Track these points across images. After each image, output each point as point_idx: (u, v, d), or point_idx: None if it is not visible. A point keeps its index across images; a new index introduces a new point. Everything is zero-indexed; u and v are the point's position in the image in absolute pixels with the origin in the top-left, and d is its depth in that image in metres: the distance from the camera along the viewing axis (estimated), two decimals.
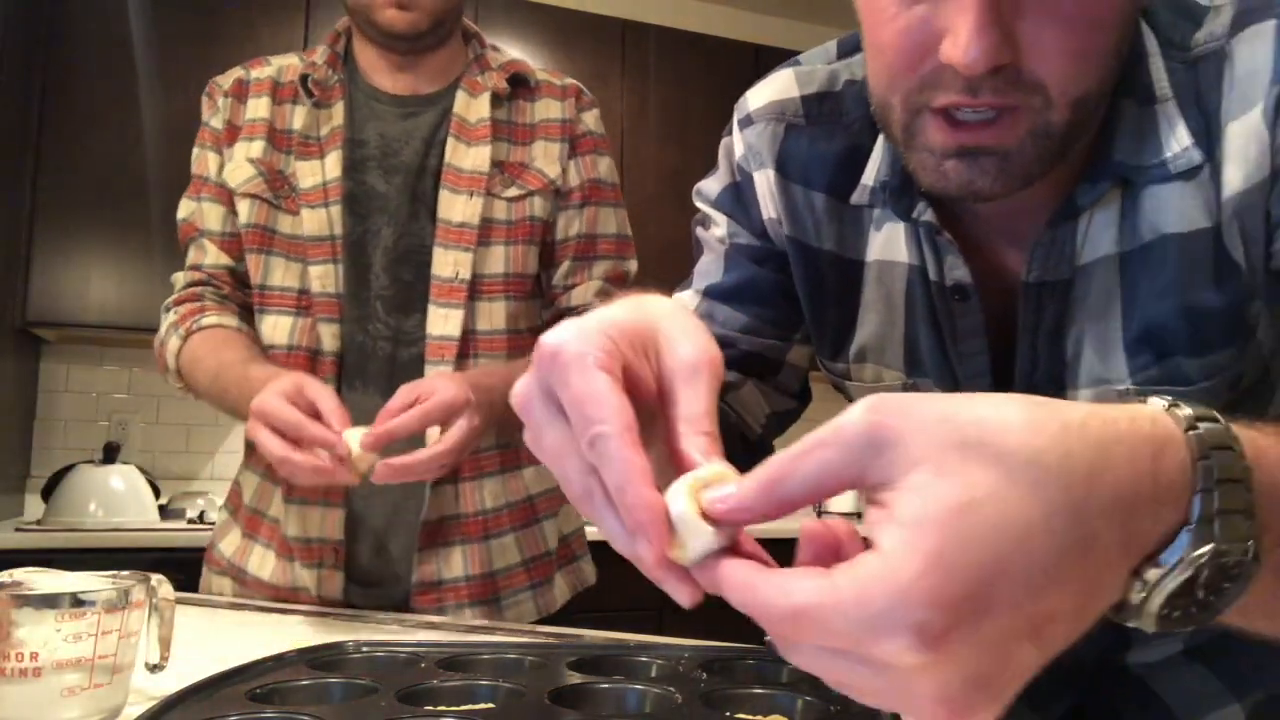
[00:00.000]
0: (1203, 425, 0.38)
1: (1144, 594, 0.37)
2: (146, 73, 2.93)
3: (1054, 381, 0.72)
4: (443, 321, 1.23)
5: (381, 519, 1.24)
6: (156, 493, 2.87)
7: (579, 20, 3.51)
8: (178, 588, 0.70)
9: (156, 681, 0.67)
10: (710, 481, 0.41)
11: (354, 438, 0.99)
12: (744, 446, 0.83)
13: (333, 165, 1.26)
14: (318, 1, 3.12)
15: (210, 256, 1.31)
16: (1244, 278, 0.65)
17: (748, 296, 0.83)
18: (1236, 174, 0.64)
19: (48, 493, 2.75)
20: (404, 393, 1.05)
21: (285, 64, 1.34)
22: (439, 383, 1.07)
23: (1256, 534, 0.38)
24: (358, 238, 1.26)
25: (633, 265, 1.38)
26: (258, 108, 1.30)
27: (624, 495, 0.41)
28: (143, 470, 2.87)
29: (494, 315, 1.26)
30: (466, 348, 1.23)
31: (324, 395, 1.04)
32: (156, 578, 0.66)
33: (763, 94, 0.82)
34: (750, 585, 0.37)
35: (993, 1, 0.56)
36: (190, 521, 2.86)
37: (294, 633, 0.94)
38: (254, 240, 1.27)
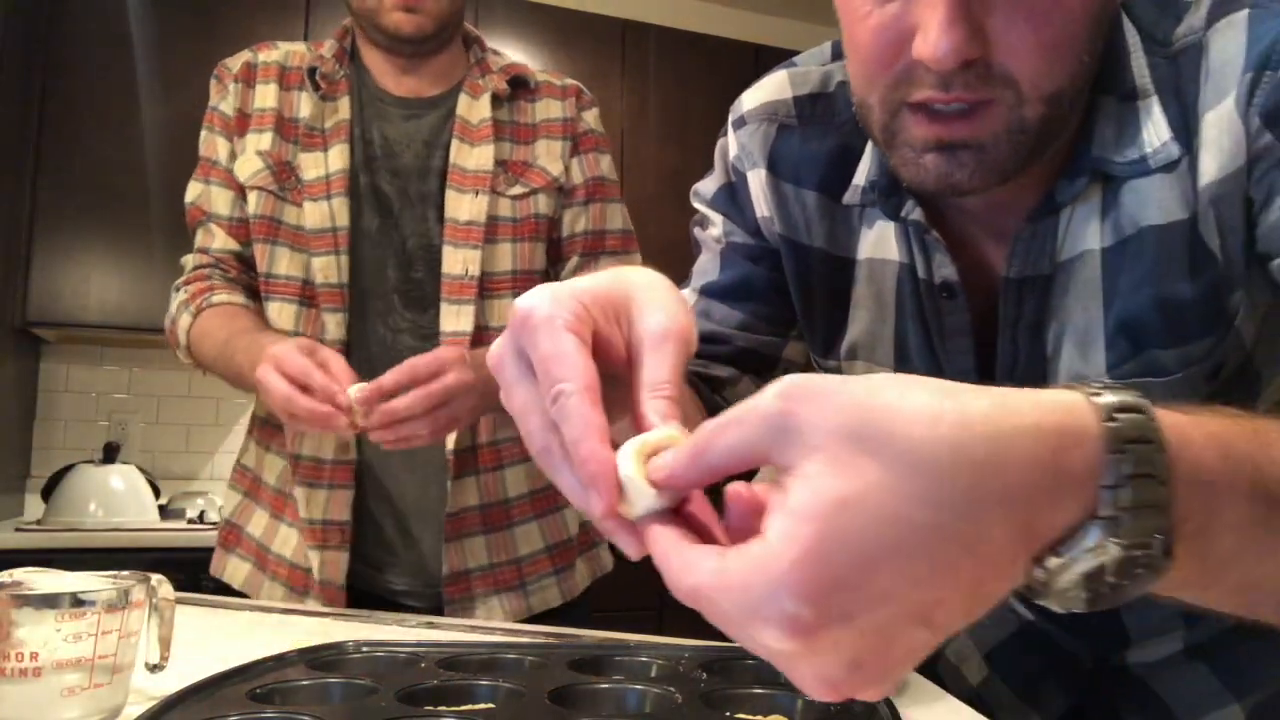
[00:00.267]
0: (1122, 417, 0.37)
1: (1045, 580, 0.37)
2: (146, 73, 2.94)
3: (1035, 376, 0.73)
4: (455, 318, 1.26)
5: (400, 504, 1.27)
6: (156, 493, 2.87)
7: (579, 20, 3.51)
8: (178, 588, 0.69)
9: (156, 681, 0.67)
10: (658, 444, 0.42)
11: (355, 391, 1.06)
12: None
13: (335, 158, 1.28)
14: (318, 1, 3.13)
15: (218, 241, 1.33)
16: (1220, 268, 0.65)
17: (743, 294, 0.84)
18: (1211, 163, 0.64)
19: (48, 493, 2.75)
20: (408, 367, 1.09)
21: (292, 49, 1.36)
22: (446, 354, 1.12)
23: (1169, 527, 0.37)
24: (374, 234, 1.29)
25: (637, 259, 1.41)
26: (266, 95, 1.32)
27: (578, 450, 0.42)
28: (143, 470, 2.88)
29: (505, 312, 1.28)
30: (480, 343, 1.25)
31: (334, 356, 1.09)
32: (156, 578, 0.66)
33: (756, 95, 0.83)
34: (664, 556, 0.39)
35: None
36: (190, 521, 2.86)
37: (294, 633, 0.94)
38: (261, 230, 1.29)
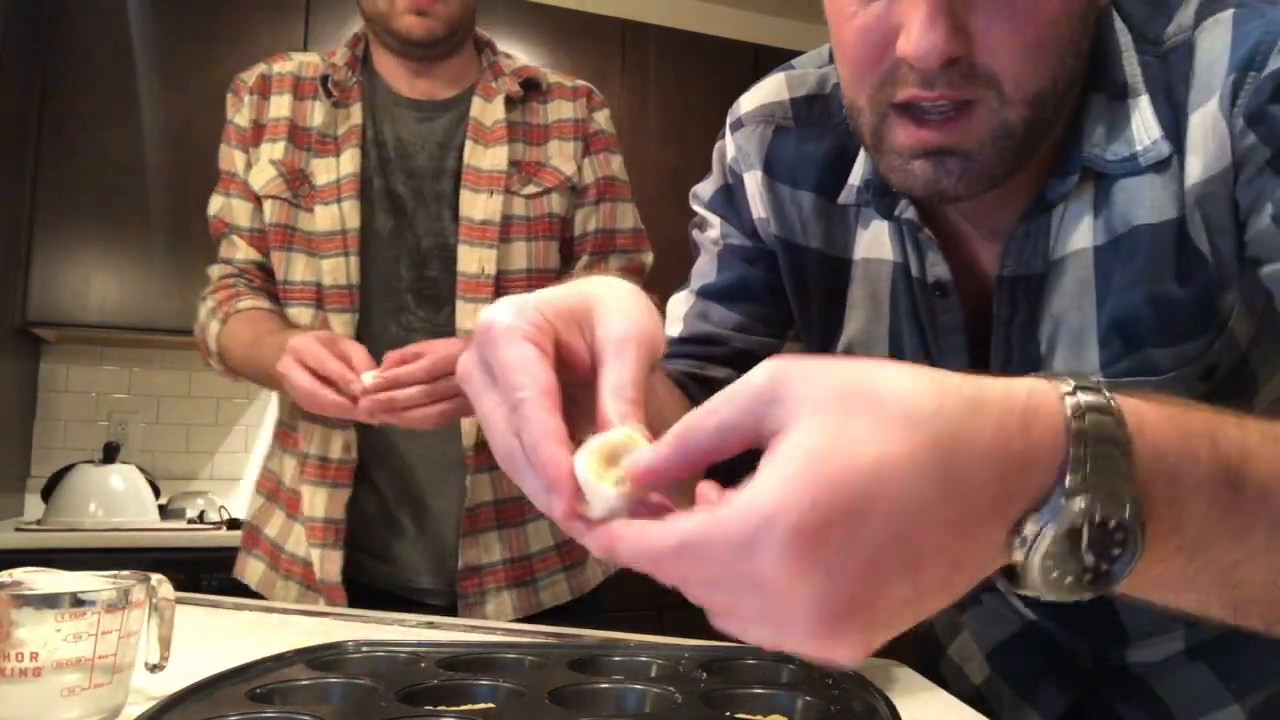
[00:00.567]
0: (1081, 394, 0.39)
1: (1024, 551, 0.38)
2: (146, 73, 2.93)
3: (1029, 375, 0.72)
4: (472, 315, 1.27)
5: (418, 502, 1.29)
6: (156, 493, 2.87)
7: (579, 20, 3.51)
8: (178, 588, 0.69)
9: (156, 681, 0.67)
10: (617, 445, 0.43)
11: (369, 378, 1.09)
12: None
13: (346, 163, 1.30)
14: (318, 1, 3.13)
15: (241, 252, 1.36)
16: (1211, 268, 0.65)
17: (740, 296, 0.84)
18: (1197, 164, 0.64)
19: (48, 493, 2.75)
20: (412, 348, 1.12)
21: (306, 60, 1.39)
22: (449, 340, 1.15)
23: (1135, 495, 0.39)
24: (387, 234, 1.31)
25: (648, 257, 1.43)
26: (280, 105, 1.35)
27: (536, 454, 0.44)
28: (143, 470, 2.88)
29: None
30: None
31: (355, 348, 1.12)
32: (156, 578, 0.66)
33: (754, 98, 0.83)
34: (640, 535, 0.40)
35: None
36: (190, 521, 2.86)
37: (294, 633, 0.94)
38: (277, 238, 1.32)
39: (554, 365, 0.47)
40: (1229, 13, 0.64)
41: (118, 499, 2.73)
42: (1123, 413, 0.40)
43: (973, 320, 0.74)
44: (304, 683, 0.66)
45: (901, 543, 0.36)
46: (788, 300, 0.83)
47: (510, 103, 1.35)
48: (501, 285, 1.29)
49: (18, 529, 2.59)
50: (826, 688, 0.66)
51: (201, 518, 2.88)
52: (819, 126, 0.79)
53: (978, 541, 0.38)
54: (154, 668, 0.67)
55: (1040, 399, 0.39)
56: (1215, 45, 0.63)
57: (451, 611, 1.26)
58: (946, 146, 0.61)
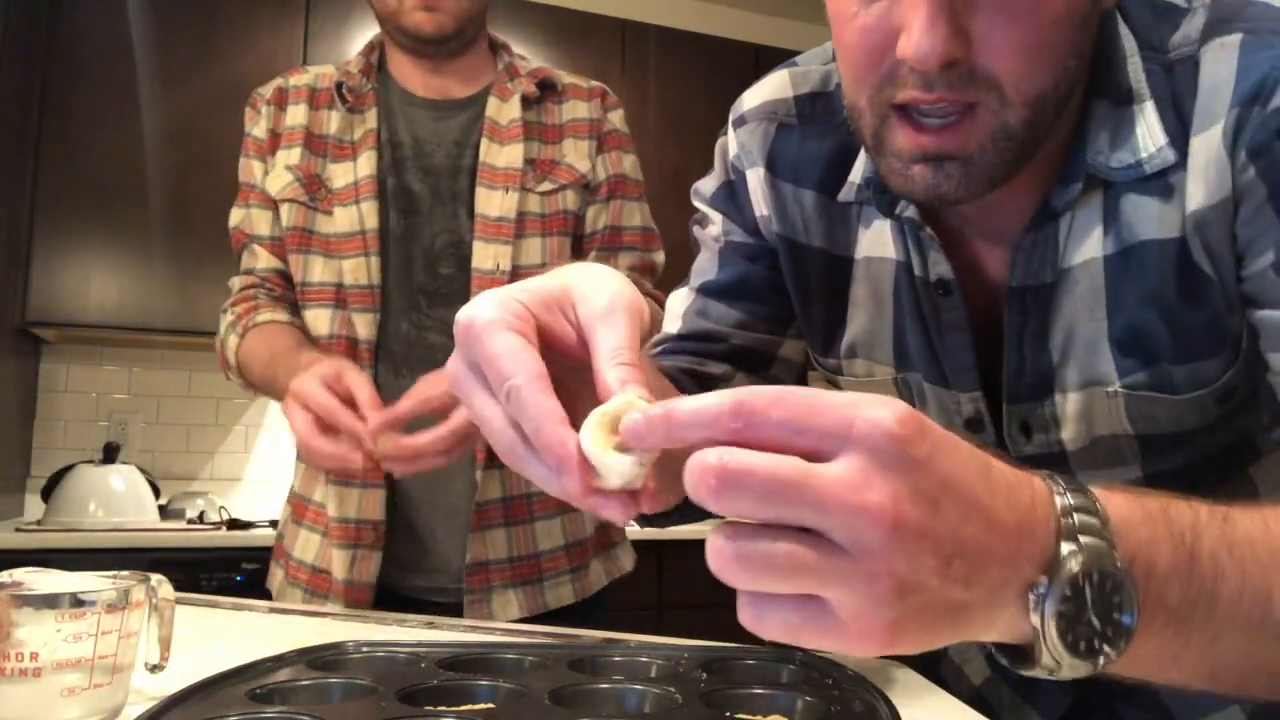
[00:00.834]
0: (1069, 493, 0.43)
1: (1039, 615, 0.41)
2: (146, 73, 2.93)
3: (1041, 385, 0.73)
4: None
5: (428, 503, 1.29)
6: (156, 493, 2.87)
7: (579, 20, 3.51)
8: (178, 588, 0.69)
9: (156, 681, 0.67)
10: (618, 411, 0.43)
11: (385, 442, 1.05)
12: None
13: (364, 165, 1.32)
14: (318, 1, 3.13)
15: (262, 261, 1.38)
16: (1218, 290, 0.65)
17: (741, 293, 0.84)
18: (1198, 190, 0.64)
19: (48, 493, 2.75)
20: (413, 390, 1.11)
21: (322, 72, 1.40)
22: (442, 375, 1.11)
23: (1122, 557, 0.42)
24: (400, 234, 1.31)
25: (659, 257, 1.44)
26: (296, 114, 1.37)
27: (540, 437, 0.44)
28: (143, 470, 2.88)
29: None
30: None
31: (360, 384, 1.09)
32: (156, 578, 0.66)
33: (757, 94, 0.83)
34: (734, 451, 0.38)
35: None
36: (190, 521, 2.86)
37: (294, 633, 0.94)
38: (294, 242, 1.33)
39: (540, 352, 0.47)
40: (1237, 38, 0.63)
41: (118, 499, 2.73)
42: (1095, 495, 0.44)
43: (979, 320, 0.73)
44: (304, 683, 0.66)
45: (966, 544, 0.38)
46: (788, 298, 0.83)
47: (526, 103, 1.37)
48: (516, 281, 1.29)
49: (18, 529, 2.59)
50: (826, 688, 0.66)
51: (201, 518, 2.88)
52: (822, 124, 0.79)
53: (1014, 570, 0.40)
54: (154, 668, 0.67)
55: (1025, 474, 0.43)
56: (1221, 70, 0.63)
57: (457, 609, 1.26)
58: (946, 152, 0.61)
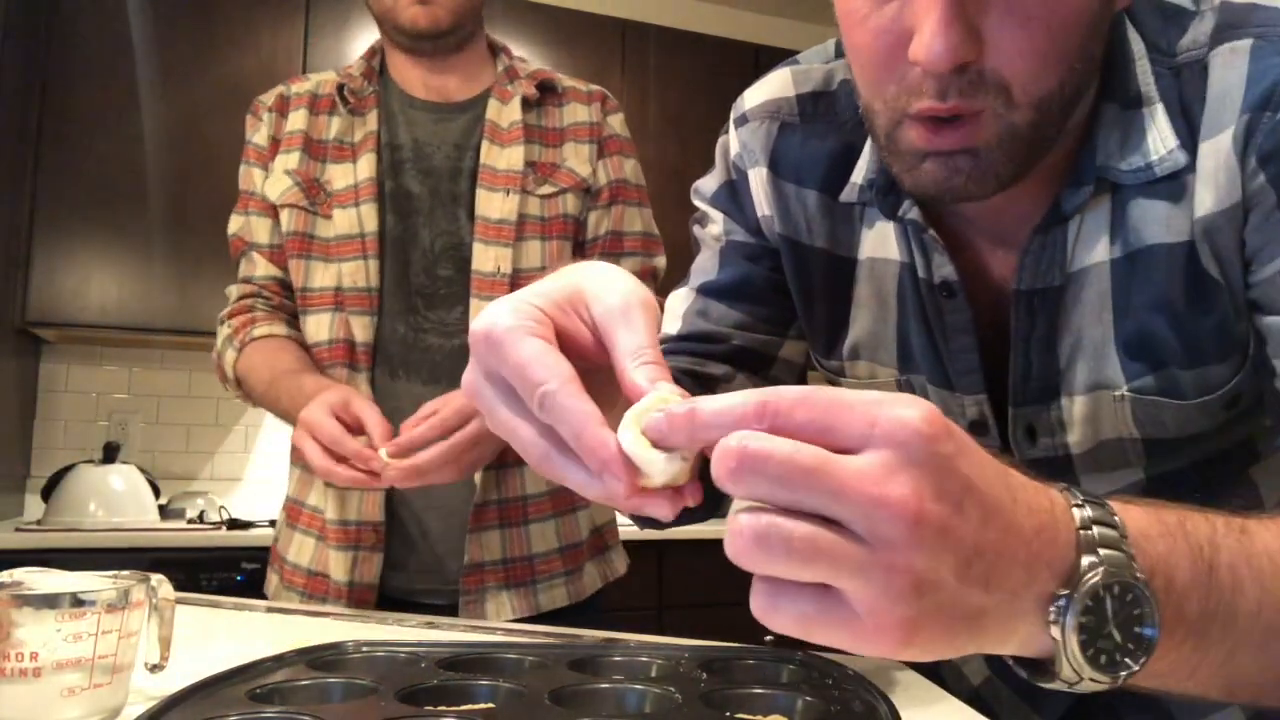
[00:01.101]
0: (1074, 490, 0.44)
1: (1060, 625, 0.41)
2: (146, 73, 2.93)
3: (1048, 389, 0.72)
4: None
5: (425, 505, 1.29)
6: (156, 493, 2.87)
7: (579, 20, 3.51)
8: (178, 588, 0.70)
9: (156, 681, 0.67)
10: (659, 408, 0.42)
11: (385, 454, 1.10)
12: None
13: (364, 167, 1.32)
14: (318, 1, 3.13)
15: (260, 269, 1.38)
16: (1226, 295, 0.65)
17: (741, 293, 0.83)
18: (1207, 195, 0.64)
19: (48, 493, 2.75)
20: (426, 407, 1.14)
21: (323, 79, 1.41)
22: (454, 393, 1.16)
23: (1141, 568, 0.42)
24: (399, 236, 1.32)
25: (661, 261, 1.44)
26: (296, 120, 1.37)
27: (581, 440, 0.43)
28: (143, 470, 2.87)
29: None
30: None
31: (368, 411, 1.14)
32: (156, 578, 0.66)
33: (759, 93, 0.82)
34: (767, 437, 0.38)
35: None
36: (190, 521, 2.86)
37: (294, 633, 0.94)
38: (295, 247, 1.33)
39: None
40: (1247, 43, 0.63)
41: (118, 499, 2.73)
42: (1113, 507, 0.44)
43: (984, 323, 0.73)
44: (304, 683, 0.66)
45: (985, 548, 0.38)
46: (789, 298, 0.83)
47: (526, 105, 1.37)
48: (517, 284, 1.29)
49: (18, 529, 2.59)
50: (826, 688, 0.66)
51: (201, 518, 2.88)
52: (825, 123, 0.78)
53: (1032, 578, 0.40)
54: (154, 668, 0.67)
55: (1053, 501, 0.43)
56: (1231, 76, 0.63)
57: (450, 611, 1.26)
58: (958, 148, 0.61)
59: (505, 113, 1.35)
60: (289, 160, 1.35)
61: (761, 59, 3.59)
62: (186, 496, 2.99)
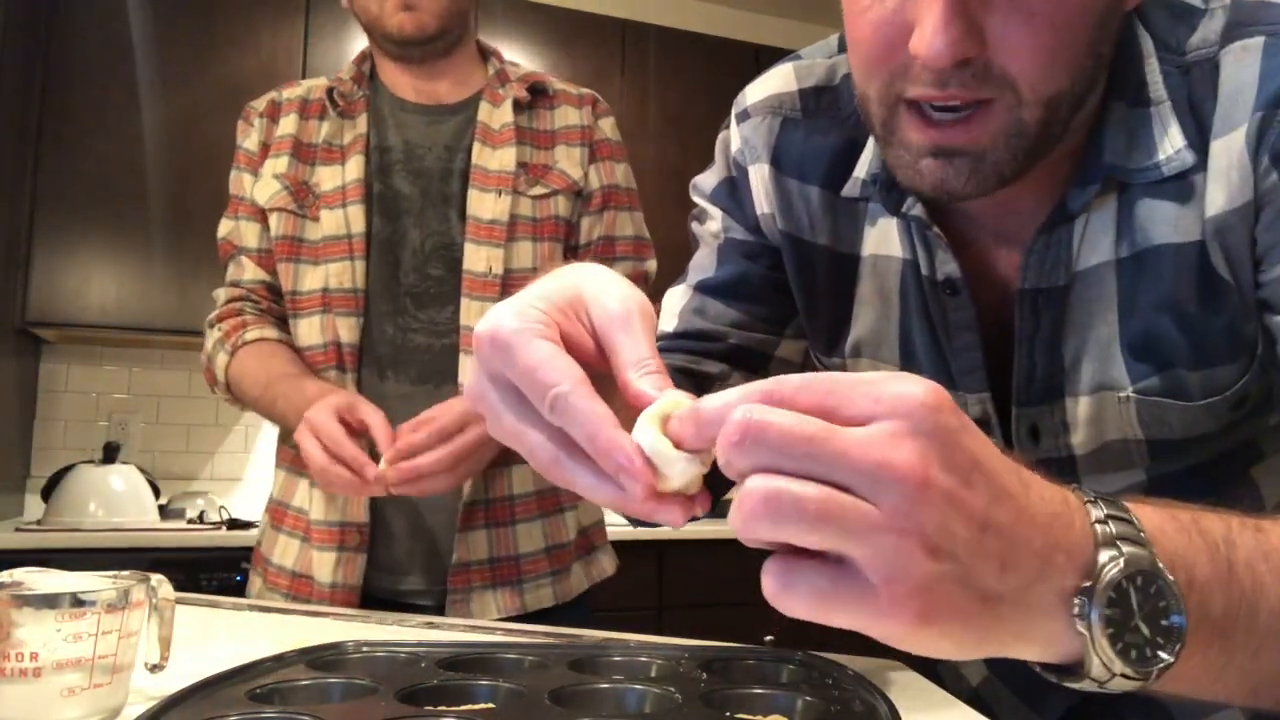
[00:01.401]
0: (1085, 489, 0.44)
1: (1086, 621, 0.40)
2: (146, 73, 2.93)
3: (1052, 389, 0.72)
4: (479, 313, 1.28)
5: (410, 505, 1.29)
6: (156, 493, 2.87)
7: (579, 20, 3.51)
8: (178, 588, 0.69)
9: (156, 681, 0.67)
10: (671, 412, 0.42)
11: (384, 464, 1.12)
12: None
13: (352, 169, 1.32)
14: (318, 1, 3.13)
15: (249, 273, 1.38)
16: (1235, 295, 0.65)
17: (738, 292, 0.83)
18: (1219, 194, 0.63)
19: (48, 493, 2.75)
20: (424, 415, 1.15)
21: (314, 84, 1.41)
22: (452, 400, 1.17)
23: (1160, 564, 0.42)
24: (387, 237, 1.32)
25: (652, 265, 1.45)
26: (287, 125, 1.38)
27: (596, 442, 0.42)
28: (143, 470, 2.88)
29: None
30: None
31: (373, 416, 1.15)
32: (156, 578, 0.66)
33: (761, 88, 0.82)
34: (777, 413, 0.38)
35: None
36: (190, 521, 2.86)
37: (294, 633, 0.94)
38: (284, 250, 1.34)
39: None
40: (1259, 40, 0.62)
41: (118, 499, 2.73)
42: (1131, 510, 0.43)
43: (988, 321, 0.73)
44: (304, 683, 0.66)
45: (995, 531, 0.38)
46: (787, 297, 0.82)
47: (517, 107, 1.37)
48: (508, 284, 1.30)
49: (18, 529, 2.59)
50: (826, 688, 0.66)
51: (201, 518, 2.88)
52: (828, 118, 0.78)
53: (1049, 567, 0.40)
54: (154, 668, 0.67)
55: (1070, 500, 0.43)
56: (1243, 74, 0.62)
57: (437, 611, 1.27)
58: (956, 147, 0.60)
59: (497, 115, 1.36)
60: (278, 165, 1.35)
61: (761, 59, 3.59)
62: (186, 496, 2.99)
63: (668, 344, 0.83)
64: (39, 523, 2.70)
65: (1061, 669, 0.43)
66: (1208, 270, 0.65)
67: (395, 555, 1.29)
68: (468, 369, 1.28)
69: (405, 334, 1.30)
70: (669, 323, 0.84)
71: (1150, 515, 0.44)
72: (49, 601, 0.58)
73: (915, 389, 0.38)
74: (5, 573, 0.64)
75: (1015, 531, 0.39)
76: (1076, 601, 0.40)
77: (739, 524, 0.38)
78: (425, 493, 1.15)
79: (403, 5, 1.28)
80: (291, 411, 1.20)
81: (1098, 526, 0.42)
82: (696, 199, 0.87)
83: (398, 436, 1.14)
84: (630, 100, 3.48)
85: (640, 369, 0.46)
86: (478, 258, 1.29)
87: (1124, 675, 0.41)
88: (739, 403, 0.39)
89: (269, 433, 3.33)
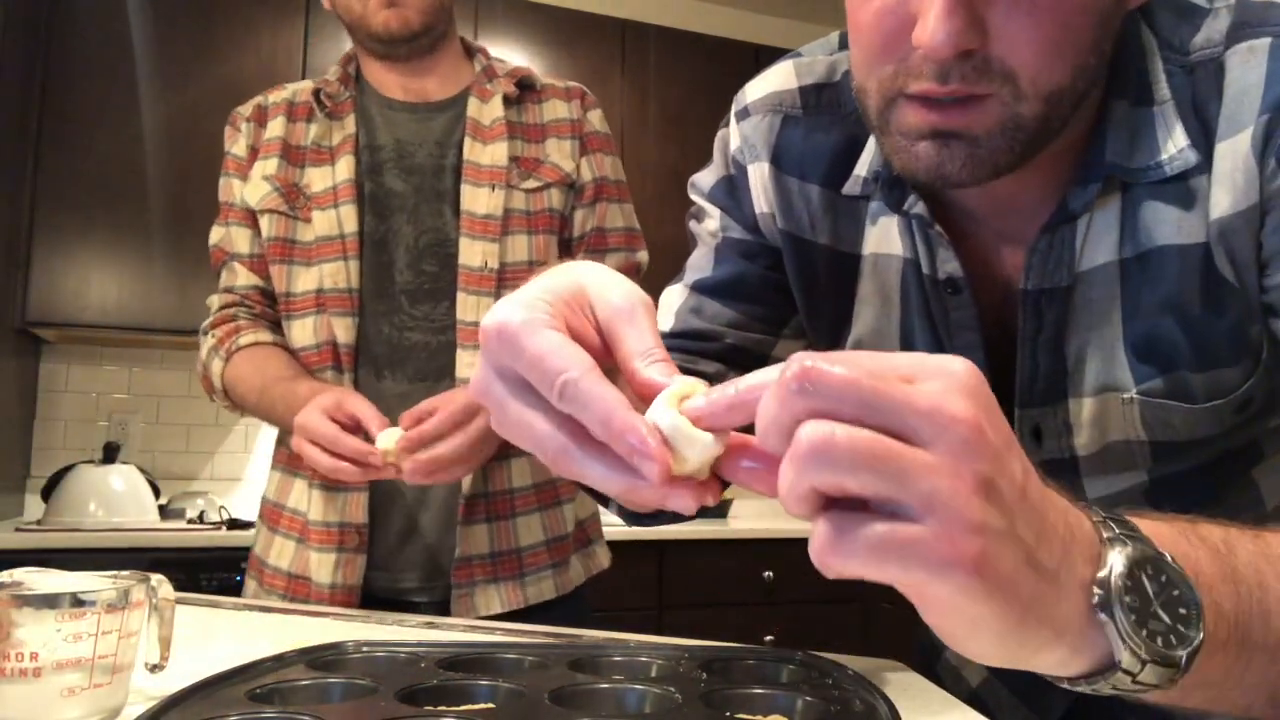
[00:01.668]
0: (1080, 501, 0.44)
1: (1107, 611, 0.40)
2: (146, 73, 2.93)
3: (1055, 391, 0.72)
4: (475, 308, 1.29)
5: (409, 502, 1.30)
6: (156, 493, 2.87)
7: (579, 20, 3.51)
8: (178, 588, 0.69)
9: (156, 681, 0.67)
10: (687, 394, 0.42)
11: (392, 436, 1.13)
12: None
13: (342, 169, 1.32)
14: (318, 2, 3.12)
15: (241, 278, 1.38)
16: (1240, 297, 0.65)
17: (736, 292, 0.83)
18: (1224, 197, 0.63)
19: (48, 493, 2.75)
20: (425, 404, 1.15)
21: (300, 87, 1.42)
22: (453, 391, 1.18)
23: (1168, 556, 0.42)
24: (380, 236, 1.32)
25: (643, 256, 1.45)
26: (274, 128, 1.38)
27: (611, 424, 0.42)
28: (142, 470, 2.87)
29: None
30: None
31: (362, 407, 1.16)
32: (156, 578, 0.66)
33: (761, 86, 0.81)
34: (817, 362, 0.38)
35: None
36: (190, 521, 2.86)
37: (294, 633, 0.94)
38: (276, 252, 1.34)
39: None
40: (1266, 41, 0.62)
41: (118, 499, 2.73)
42: (1125, 515, 0.44)
43: (989, 320, 0.72)
44: (304, 683, 0.66)
45: (1033, 491, 0.39)
46: (785, 297, 0.82)
47: (506, 102, 1.37)
48: (504, 278, 1.30)
49: (18, 529, 2.59)
50: (826, 688, 0.66)
51: (201, 518, 2.88)
52: (828, 115, 0.77)
53: (1070, 555, 0.40)
54: (154, 668, 0.67)
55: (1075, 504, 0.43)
56: (1249, 75, 0.62)
57: (433, 608, 1.27)
58: (953, 129, 0.60)
59: (486, 110, 1.36)
60: (267, 166, 1.35)
61: (761, 59, 3.57)
62: (186, 496, 2.99)
63: (664, 343, 0.82)
64: (39, 523, 2.70)
65: (1086, 677, 0.43)
66: (1212, 273, 0.64)
67: (393, 553, 1.29)
68: (465, 364, 1.28)
69: (401, 332, 1.31)
70: (665, 322, 0.84)
71: (1146, 523, 0.45)
72: (49, 601, 0.58)
73: (958, 362, 0.38)
74: (5, 573, 0.64)
75: (1044, 509, 0.39)
76: (1096, 591, 0.40)
77: (793, 472, 0.37)
78: (440, 481, 1.15)
79: (387, 3, 1.28)
80: (288, 414, 1.21)
81: (1101, 530, 0.42)
82: (694, 197, 0.87)
83: (402, 428, 1.14)
84: (630, 100, 3.48)
85: (647, 358, 0.46)
86: (473, 252, 1.29)
87: (1155, 662, 0.41)
88: (770, 379, 0.39)
89: (269, 433, 3.32)
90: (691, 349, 0.82)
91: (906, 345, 0.77)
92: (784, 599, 3.05)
